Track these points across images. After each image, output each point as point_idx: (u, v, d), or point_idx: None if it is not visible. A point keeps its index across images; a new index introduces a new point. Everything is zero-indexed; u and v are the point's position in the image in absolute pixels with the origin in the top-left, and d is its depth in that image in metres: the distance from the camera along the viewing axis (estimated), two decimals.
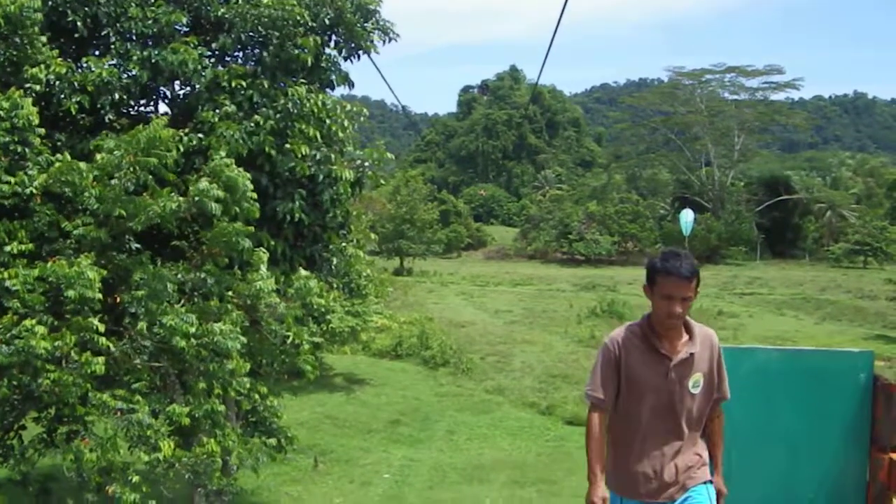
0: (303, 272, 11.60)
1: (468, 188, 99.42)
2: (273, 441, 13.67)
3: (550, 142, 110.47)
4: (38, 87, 11.38)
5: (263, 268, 11.11)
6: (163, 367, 10.68)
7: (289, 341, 12.11)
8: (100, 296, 9.58)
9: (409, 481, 19.71)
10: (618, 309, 40.07)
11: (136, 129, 10.45)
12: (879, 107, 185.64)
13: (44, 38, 11.72)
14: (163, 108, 14.12)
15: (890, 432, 5.79)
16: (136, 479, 9.89)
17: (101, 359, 9.43)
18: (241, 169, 11.04)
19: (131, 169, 10.16)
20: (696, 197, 75.98)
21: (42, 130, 10.68)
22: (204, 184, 10.37)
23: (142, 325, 9.99)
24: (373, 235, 31.09)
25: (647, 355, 4.78)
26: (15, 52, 11.50)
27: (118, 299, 10.37)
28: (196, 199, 10.35)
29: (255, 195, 11.13)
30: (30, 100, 10.55)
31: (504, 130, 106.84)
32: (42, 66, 11.52)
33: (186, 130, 12.38)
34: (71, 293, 9.24)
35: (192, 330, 9.94)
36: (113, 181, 10.15)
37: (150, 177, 10.40)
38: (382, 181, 17.58)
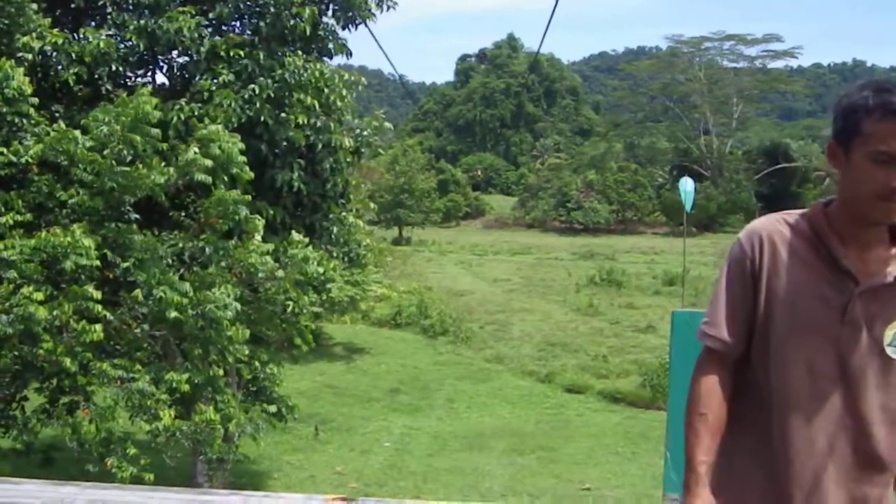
0: (295, 237, 11.56)
1: (466, 157, 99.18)
2: (273, 408, 13.72)
3: (549, 110, 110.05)
4: (30, 56, 11.31)
5: (258, 236, 11.10)
6: (162, 336, 10.70)
7: (289, 309, 12.13)
8: (97, 263, 9.57)
9: (409, 449, 19.81)
10: (616, 278, 40.13)
11: (121, 99, 10.40)
12: (878, 73, 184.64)
13: (35, 6, 11.61)
14: (160, 78, 14.09)
15: None
16: (133, 451, 9.92)
17: (98, 326, 9.46)
18: (232, 135, 10.99)
19: (121, 141, 10.11)
20: (695, 165, 75.77)
21: (35, 100, 10.61)
22: (192, 153, 10.34)
23: (136, 292, 9.99)
24: (371, 205, 31.07)
25: (814, 269, 2.43)
26: (6, 21, 11.41)
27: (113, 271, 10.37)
28: (185, 170, 10.34)
29: (245, 160, 11.07)
30: (21, 69, 10.47)
31: (502, 99, 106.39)
32: (34, 34, 11.43)
33: (185, 100, 12.35)
34: (67, 263, 9.24)
35: (185, 301, 9.94)
36: (105, 152, 10.11)
37: (145, 147, 10.35)
38: (381, 150, 17.54)
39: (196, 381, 10.50)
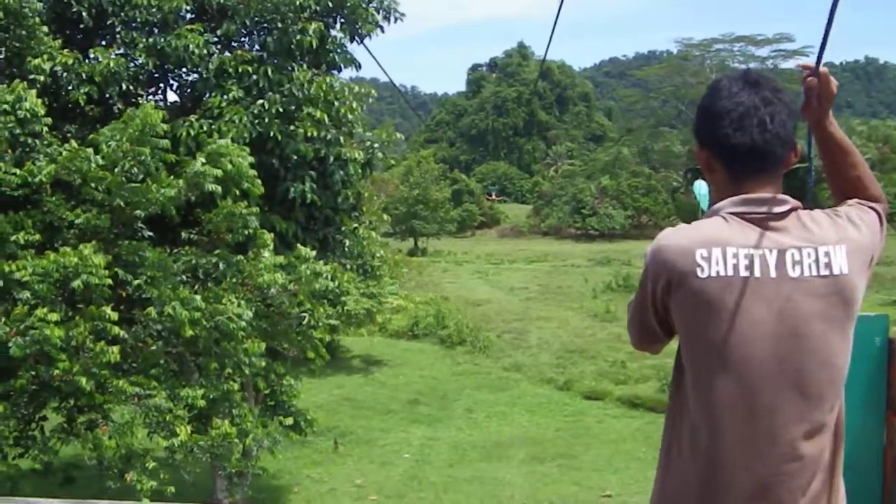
0: (303, 251, 11.57)
1: (480, 166, 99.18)
2: (290, 420, 13.76)
3: (561, 117, 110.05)
4: (41, 78, 11.39)
5: (266, 251, 11.11)
6: (177, 352, 10.73)
7: (304, 322, 12.15)
8: (109, 281, 9.60)
9: (429, 460, 19.79)
10: (633, 283, 39.90)
11: (127, 114, 10.45)
12: (891, 71, 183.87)
13: (45, 29, 11.71)
14: (171, 96, 14.18)
15: None
16: (152, 465, 9.95)
17: (115, 348, 9.47)
18: (241, 149, 11.03)
19: (131, 157, 10.16)
20: None
21: (48, 120, 10.67)
22: (199, 165, 10.38)
23: (150, 309, 10.01)
24: (385, 217, 31.11)
25: None
26: (17, 45, 11.52)
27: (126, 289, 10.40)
28: (193, 182, 10.37)
29: (255, 174, 11.11)
30: (34, 91, 10.54)
31: (514, 108, 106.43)
32: (45, 56, 11.52)
33: (195, 116, 12.41)
34: (77, 282, 9.27)
35: (198, 315, 9.96)
36: (115, 169, 10.16)
37: (155, 163, 10.40)
38: (393, 161, 17.59)
39: (212, 396, 10.51)
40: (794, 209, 2.21)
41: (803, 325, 2.12)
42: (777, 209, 2.19)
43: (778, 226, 2.18)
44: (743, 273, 2.12)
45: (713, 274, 2.12)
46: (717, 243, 2.14)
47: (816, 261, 2.14)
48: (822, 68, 2.33)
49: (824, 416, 2.16)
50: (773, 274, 2.12)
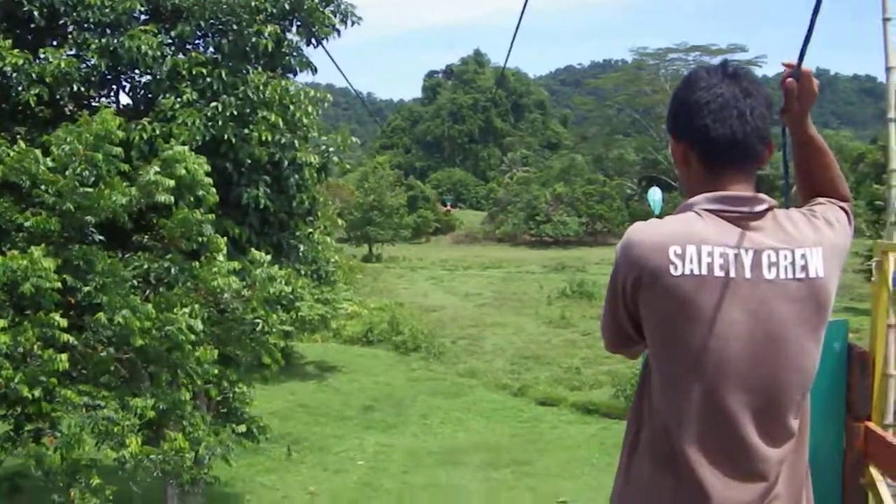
0: (257, 255, 11.41)
1: (435, 173, 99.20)
2: (243, 428, 13.58)
3: (516, 125, 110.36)
4: None
5: (220, 255, 10.95)
6: (128, 359, 10.53)
7: (258, 328, 12.00)
8: (57, 285, 9.39)
9: (383, 467, 19.68)
10: (588, 289, 40.14)
11: (84, 118, 10.24)
12: (842, 82, 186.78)
13: None
14: (124, 98, 13.95)
15: (865, 401, 5.75)
16: (96, 482, 9.70)
17: (63, 356, 9.25)
18: (197, 157, 10.86)
19: (84, 161, 9.95)
20: (663, 176, 76.26)
21: None
22: (152, 174, 10.20)
23: (99, 315, 9.80)
24: (340, 222, 30.98)
25: None
26: None
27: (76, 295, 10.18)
28: (146, 190, 10.19)
29: (211, 182, 10.95)
30: None
31: (470, 115, 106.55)
32: None
33: (148, 119, 12.22)
34: (27, 285, 9.05)
35: (148, 325, 9.78)
36: (67, 172, 9.94)
37: (108, 168, 10.19)
38: (348, 166, 17.50)
39: (162, 406, 10.32)
40: (770, 208, 2.12)
41: (778, 328, 2.05)
42: (755, 208, 2.10)
43: (755, 225, 2.08)
44: (717, 273, 2.02)
45: (687, 272, 2.02)
46: (692, 240, 2.04)
47: (793, 263, 2.06)
48: (805, 67, 2.24)
49: (791, 420, 2.10)
50: (748, 275, 2.04)
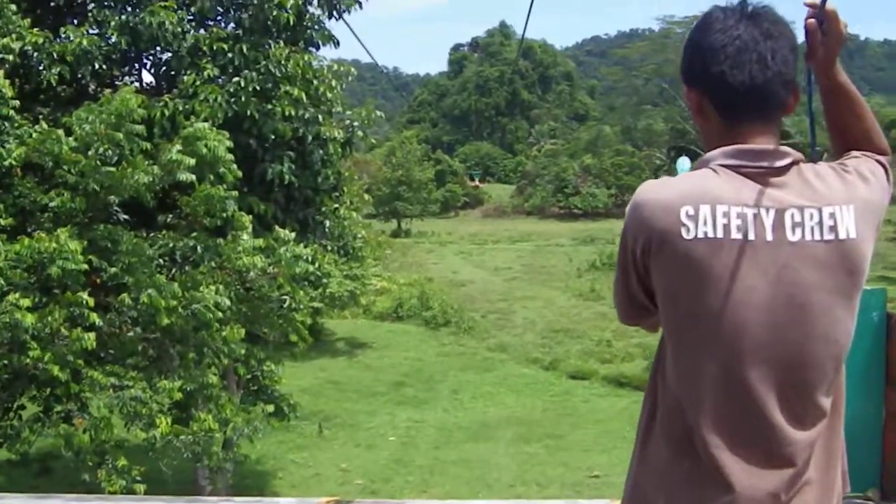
0: (281, 233, 11.29)
1: (462, 147, 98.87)
2: (271, 408, 13.55)
3: (543, 97, 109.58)
4: (10, 58, 11.06)
5: (245, 234, 10.84)
6: (155, 339, 10.47)
7: (286, 305, 11.93)
8: (85, 267, 9.33)
9: (414, 443, 19.64)
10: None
11: (105, 97, 10.14)
12: (872, 48, 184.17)
13: (14, 7, 11.37)
14: (147, 76, 13.86)
15: None
16: (122, 463, 9.66)
17: (91, 334, 9.19)
18: (219, 133, 10.73)
19: (105, 140, 9.85)
20: (692, 146, 75.59)
21: (17, 103, 10.36)
22: (174, 152, 10.08)
23: (123, 296, 9.74)
24: (367, 197, 30.88)
25: None
26: None
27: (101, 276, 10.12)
28: (168, 169, 10.09)
29: (232, 159, 10.82)
30: (1, 72, 10.23)
31: (496, 87, 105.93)
32: (14, 35, 11.18)
33: (170, 96, 12.12)
34: (54, 268, 8.99)
35: (174, 303, 9.70)
36: (89, 152, 9.86)
37: (130, 147, 10.09)
38: (374, 140, 17.35)
39: (189, 388, 10.26)
40: (795, 162, 1.88)
41: (803, 295, 1.83)
42: (777, 162, 1.87)
43: (777, 181, 1.86)
44: (734, 235, 1.81)
45: (700, 235, 1.81)
46: (706, 199, 1.83)
47: (820, 223, 1.83)
48: (829, 6, 1.96)
49: (821, 398, 1.87)
50: (769, 237, 1.81)
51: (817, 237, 1.83)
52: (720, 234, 1.81)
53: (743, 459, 1.83)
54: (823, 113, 2.18)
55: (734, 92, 1.92)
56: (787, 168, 1.88)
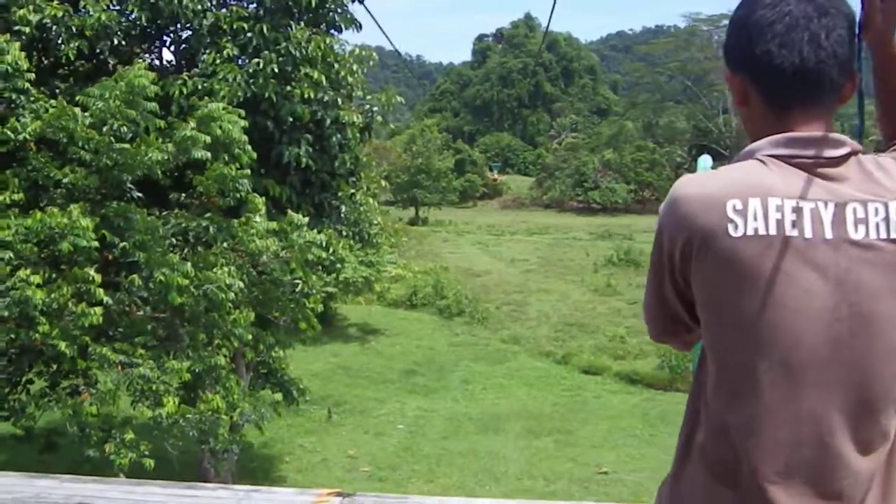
0: (294, 218, 11.19)
1: (483, 137, 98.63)
2: (279, 395, 13.48)
3: (566, 90, 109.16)
4: (27, 30, 10.99)
5: (258, 216, 10.74)
6: (165, 318, 10.41)
7: (297, 289, 11.84)
8: (96, 244, 9.26)
9: (423, 432, 19.54)
10: (634, 257, 39.64)
11: (118, 73, 10.05)
12: None
13: None
14: (167, 54, 13.78)
15: None
16: (129, 437, 9.61)
17: (97, 309, 9.14)
18: (234, 113, 10.63)
19: (119, 117, 9.77)
20: (714, 145, 75.06)
21: (32, 76, 10.29)
22: (188, 130, 9.99)
23: (133, 277, 9.67)
24: (384, 183, 30.74)
25: None
26: None
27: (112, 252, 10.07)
28: (182, 147, 10.00)
29: (246, 140, 10.71)
30: (18, 44, 10.15)
31: (519, 79, 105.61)
32: (31, 7, 11.11)
33: (188, 74, 12.03)
34: (65, 244, 8.93)
35: (186, 283, 9.61)
36: (104, 129, 9.78)
37: (146, 125, 10.02)
38: (393, 126, 17.23)
39: (197, 370, 10.19)
40: (853, 153, 1.64)
41: (868, 302, 1.58)
42: (832, 152, 1.63)
43: (834, 174, 1.62)
44: (789, 231, 1.57)
45: (750, 232, 1.57)
46: (756, 192, 1.59)
47: (886, 219, 1.58)
48: None
49: (886, 421, 1.62)
50: (828, 234, 1.57)
51: (883, 235, 1.60)
52: (773, 231, 1.59)
53: (797, 493, 1.60)
54: (874, 92, 1.94)
55: (782, 74, 1.68)
56: (844, 158, 1.65)
